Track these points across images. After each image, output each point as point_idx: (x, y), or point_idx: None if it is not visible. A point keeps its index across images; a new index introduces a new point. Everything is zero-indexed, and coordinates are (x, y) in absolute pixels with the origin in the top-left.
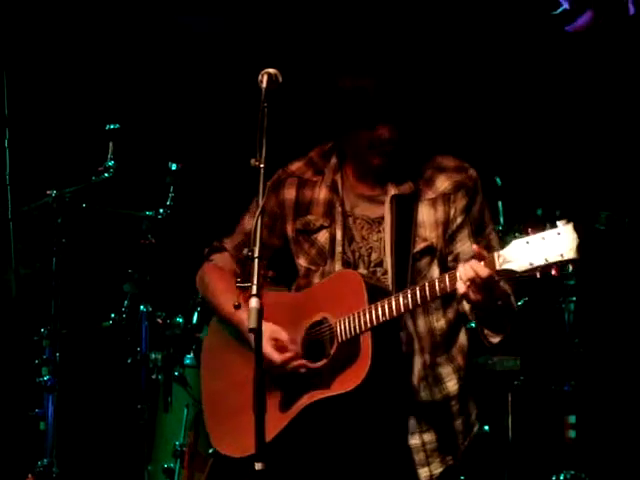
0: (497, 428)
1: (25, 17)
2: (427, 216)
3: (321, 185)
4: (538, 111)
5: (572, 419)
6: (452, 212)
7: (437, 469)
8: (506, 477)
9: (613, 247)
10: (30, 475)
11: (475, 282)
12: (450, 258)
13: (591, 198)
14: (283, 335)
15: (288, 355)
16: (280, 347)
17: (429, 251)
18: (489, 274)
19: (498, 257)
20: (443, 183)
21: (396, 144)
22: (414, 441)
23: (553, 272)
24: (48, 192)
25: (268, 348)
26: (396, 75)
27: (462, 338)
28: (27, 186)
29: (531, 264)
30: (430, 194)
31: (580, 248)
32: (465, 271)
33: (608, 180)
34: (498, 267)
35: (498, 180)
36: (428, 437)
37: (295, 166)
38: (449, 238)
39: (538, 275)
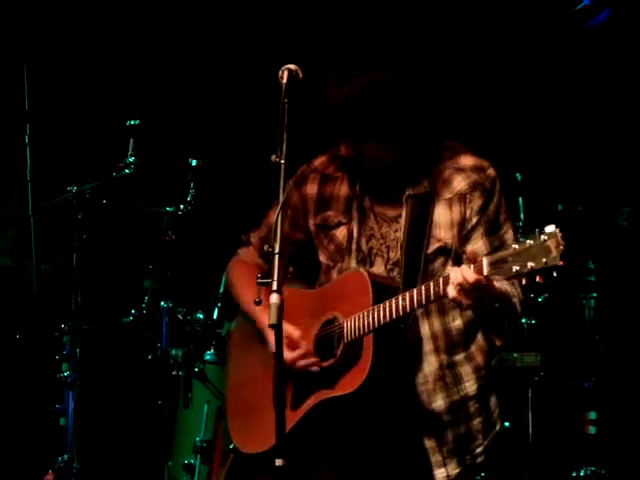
0: (517, 424)
1: (46, 13)
2: (443, 216)
3: (342, 181)
4: (559, 107)
5: (592, 415)
6: (468, 212)
7: (454, 470)
8: (526, 473)
9: (634, 243)
10: (50, 471)
11: (464, 287)
12: (464, 257)
13: (613, 194)
14: (295, 333)
15: (298, 353)
16: (291, 344)
17: (443, 251)
18: (476, 279)
19: (486, 262)
20: (460, 183)
21: (355, 160)
22: (429, 442)
23: (538, 279)
24: (69, 188)
25: None
26: (356, 95)
27: (482, 337)
28: (48, 182)
29: (516, 270)
30: (447, 194)
31: (565, 255)
32: (454, 275)
33: (630, 176)
34: (486, 272)
35: (518, 176)
36: (444, 438)
37: (319, 161)
38: (463, 238)
39: (524, 282)
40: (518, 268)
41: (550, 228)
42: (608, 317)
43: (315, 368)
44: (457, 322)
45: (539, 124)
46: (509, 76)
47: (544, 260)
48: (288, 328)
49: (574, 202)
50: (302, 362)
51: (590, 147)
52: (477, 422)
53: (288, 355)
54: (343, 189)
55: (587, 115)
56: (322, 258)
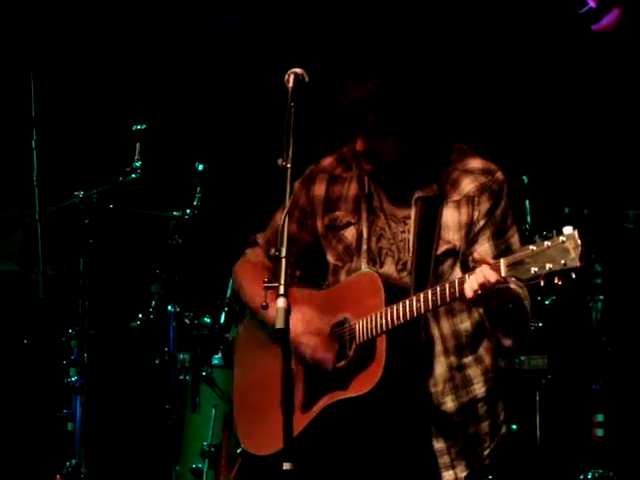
0: (525, 427)
1: (52, 19)
2: (451, 218)
3: (350, 181)
4: (566, 109)
5: (600, 418)
6: (476, 215)
7: (462, 472)
8: (534, 476)
9: None
10: (58, 475)
11: (484, 287)
12: (471, 259)
13: (619, 197)
14: (311, 315)
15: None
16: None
17: (452, 253)
18: (498, 279)
19: (504, 264)
20: (468, 185)
21: (371, 156)
22: (438, 444)
23: (556, 280)
24: (75, 193)
25: (299, 328)
26: (378, 90)
27: (489, 339)
28: (54, 187)
29: (534, 272)
30: (455, 196)
31: (583, 256)
32: (475, 277)
33: (636, 179)
34: (503, 274)
35: (525, 178)
36: (453, 440)
37: (326, 161)
38: (471, 240)
39: (542, 283)
40: (537, 269)
41: (568, 229)
42: (615, 320)
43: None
44: (465, 324)
45: (546, 127)
46: (516, 79)
47: (563, 261)
48: (306, 312)
49: (580, 205)
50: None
51: (597, 150)
52: (485, 425)
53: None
54: (352, 189)
55: (594, 118)
56: (330, 259)
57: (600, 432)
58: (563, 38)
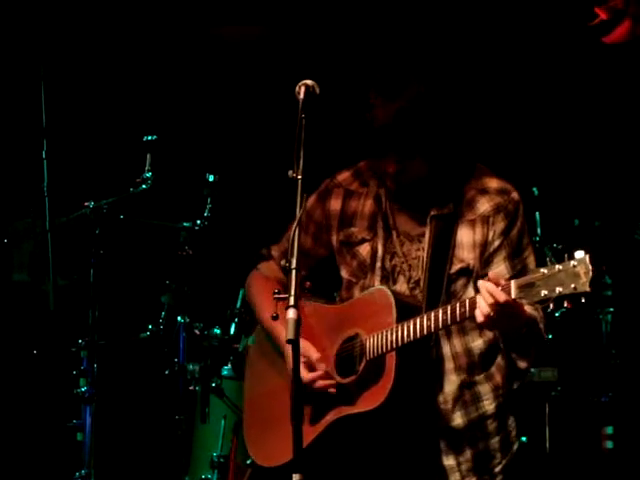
0: (534, 438)
1: (63, 30)
2: (466, 237)
3: (366, 197)
4: (576, 122)
5: (609, 430)
6: (490, 235)
7: None
8: None
9: None
10: None
11: (494, 308)
12: (486, 279)
13: (630, 208)
14: (314, 355)
15: (317, 374)
16: (309, 365)
17: (465, 272)
18: (505, 300)
19: (514, 285)
20: (483, 205)
21: (400, 177)
22: (448, 461)
23: (565, 304)
24: (86, 203)
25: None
26: (407, 111)
27: (501, 357)
28: (65, 197)
29: (544, 295)
30: (470, 215)
31: (594, 281)
32: (484, 296)
33: None
34: (514, 296)
35: (535, 190)
36: (463, 457)
37: (342, 176)
38: (485, 260)
39: (551, 306)
40: (546, 292)
41: (579, 254)
42: (625, 332)
43: (332, 390)
44: (477, 342)
45: (556, 139)
46: (526, 91)
47: (573, 286)
48: (308, 349)
49: (591, 217)
50: (319, 383)
51: (607, 162)
52: (495, 441)
53: (306, 375)
54: (368, 205)
55: (604, 130)
56: (344, 274)
57: (609, 444)
58: (574, 51)
